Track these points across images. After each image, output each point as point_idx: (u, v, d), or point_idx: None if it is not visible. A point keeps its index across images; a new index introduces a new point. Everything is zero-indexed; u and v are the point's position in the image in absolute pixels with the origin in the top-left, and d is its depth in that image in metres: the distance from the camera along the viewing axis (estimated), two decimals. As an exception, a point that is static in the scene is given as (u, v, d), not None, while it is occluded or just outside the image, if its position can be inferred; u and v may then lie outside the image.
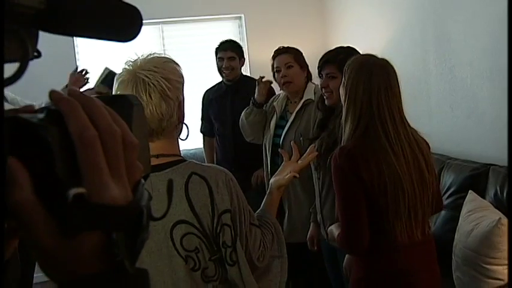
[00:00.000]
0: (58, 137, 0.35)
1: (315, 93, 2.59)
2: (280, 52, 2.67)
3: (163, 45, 4.32)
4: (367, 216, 1.56)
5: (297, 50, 2.68)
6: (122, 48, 4.06)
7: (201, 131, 3.45)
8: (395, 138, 1.56)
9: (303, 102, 2.62)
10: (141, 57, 1.23)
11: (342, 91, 1.68)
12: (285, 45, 2.75)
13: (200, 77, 4.35)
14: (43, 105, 0.39)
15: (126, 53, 4.43)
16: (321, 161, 2.10)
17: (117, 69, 4.21)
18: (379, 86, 1.59)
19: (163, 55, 1.25)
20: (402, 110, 1.61)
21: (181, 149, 3.60)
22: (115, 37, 0.43)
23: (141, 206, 0.39)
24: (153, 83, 1.18)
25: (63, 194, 0.35)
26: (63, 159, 0.35)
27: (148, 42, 4.31)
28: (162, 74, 1.20)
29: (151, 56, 1.23)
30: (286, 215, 2.68)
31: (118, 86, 1.20)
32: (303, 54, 2.68)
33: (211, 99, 3.31)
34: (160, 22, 4.26)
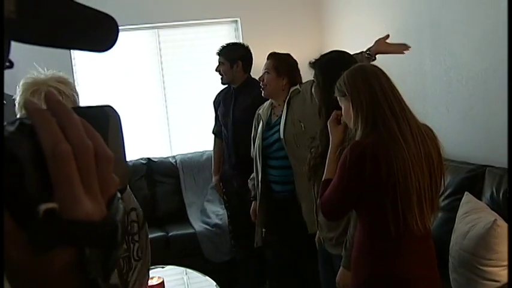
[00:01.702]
0: (29, 150, 0.35)
1: (300, 84, 2.69)
2: (268, 57, 2.83)
3: (160, 50, 4.30)
4: (374, 218, 1.59)
5: (279, 57, 2.77)
6: (119, 57, 4.12)
7: (213, 132, 3.52)
8: (404, 121, 1.58)
9: (290, 94, 2.71)
10: (43, 74, 1.30)
11: (346, 105, 1.71)
12: (279, 51, 2.85)
13: (197, 81, 4.37)
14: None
15: (123, 61, 4.45)
16: (313, 172, 2.12)
17: (114, 78, 4.13)
18: (377, 75, 1.65)
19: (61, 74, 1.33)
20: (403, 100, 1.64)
21: (201, 149, 3.30)
22: (90, 47, 0.43)
23: (115, 221, 0.38)
24: (66, 94, 1.27)
25: (34, 210, 0.34)
26: (34, 174, 0.35)
27: (145, 47, 4.30)
28: (70, 87, 1.30)
29: (53, 73, 1.32)
30: (304, 202, 2.62)
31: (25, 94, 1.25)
32: (290, 61, 2.78)
33: (220, 100, 3.38)
34: (156, 27, 4.25)
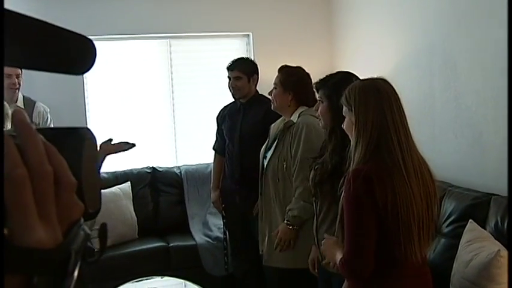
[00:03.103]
0: None
1: (299, 116, 2.63)
2: (278, 70, 2.79)
3: (171, 60, 4.32)
4: (376, 242, 1.56)
5: (287, 71, 2.75)
6: (130, 64, 4.16)
7: (213, 148, 3.50)
8: (408, 153, 1.57)
9: (284, 125, 2.69)
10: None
11: (349, 118, 1.68)
12: (291, 64, 2.83)
13: (206, 93, 4.37)
14: None
15: (134, 69, 4.46)
16: (317, 189, 2.14)
17: (124, 84, 4.14)
18: (390, 100, 1.61)
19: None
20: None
21: (206, 161, 3.33)
22: (66, 70, 0.43)
23: (69, 249, 0.37)
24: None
25: None
26: None
27: (156, 56, 4.31)
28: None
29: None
30: (266, 238, 2.70)
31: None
32: (298, 75, 2.74)
33: (225, 115, 3.36)
34: (168, 37, 4.27)
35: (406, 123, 1.62)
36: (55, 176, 0.37)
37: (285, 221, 2.57)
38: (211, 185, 3.54)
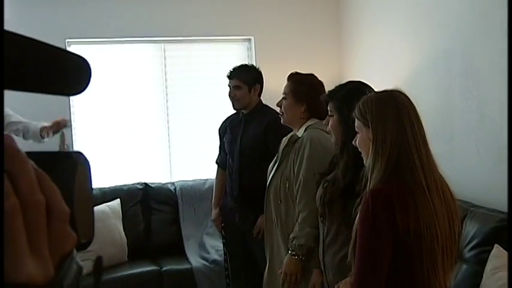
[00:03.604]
0: None
1: (305, 130, 2.57)
2: (287, 78, 2.72)
3: (165, 66, 4.31)
4: (396, 268, 1.55)
5: (299, 79, 2.68)
6: (120, 71, 4.15)
7: (216, 162, 3.50)
8: (430, 172, 1.57)
9: (288, 140, 2.62)
10: None
11: (364, 133, 1.67)
12: (299, 71, 2.76)
13: (204, 102, 4.38)
14: None
15: (124, 76, 4.43)
16: (326, 209, 2.11)
17: (114, 92, 4.14)
18: (409, 114, 1.61)
19: None
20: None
21: (203, 177, 3.34)
22: (61, 91, 0.44)
23: (62, 285, 0.37)
24: None
25: None
26: None
27: (149, 61, 4.32)
28: None
29: None
30: (268, 265, 2.67)
31: None
32: (312, 84, 2.65)
33: (227, 127, 3.36)
34: (162, 41, 4.27)
35: (426, 138, 1.62)
36: (47, 205, 0.37)
37: (290, 251, 2.47)
38: (212, 201, 3.53)
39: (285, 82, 3.15)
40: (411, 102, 1.65)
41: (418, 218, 1.51)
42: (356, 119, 1.71)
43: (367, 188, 1.61)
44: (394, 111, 1.61)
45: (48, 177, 0.38)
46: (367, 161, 1.64)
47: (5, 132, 0.38)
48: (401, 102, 1.63)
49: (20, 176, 0.36)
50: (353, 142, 1.77)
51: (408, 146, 1.57)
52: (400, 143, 1.58)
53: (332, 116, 2.14)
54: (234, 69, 3.24)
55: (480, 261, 2.45)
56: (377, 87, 2.11)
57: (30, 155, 0.38)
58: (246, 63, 3.51)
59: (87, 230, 0.43)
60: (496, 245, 2.39)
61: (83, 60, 0.44)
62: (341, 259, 2.08)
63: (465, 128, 3.06)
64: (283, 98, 2.65)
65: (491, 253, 2.38)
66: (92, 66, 0.45)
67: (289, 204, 2.56)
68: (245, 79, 3.17)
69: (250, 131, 3.13)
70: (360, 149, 1.74)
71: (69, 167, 0.42)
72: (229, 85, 3.23)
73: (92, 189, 0.45)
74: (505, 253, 2.34)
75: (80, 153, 0.44)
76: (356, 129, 1.72)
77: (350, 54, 4.41)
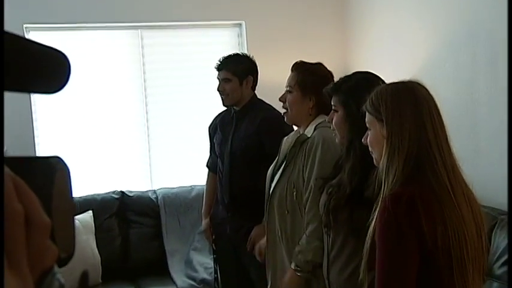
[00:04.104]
0: None
1: (315, 129, 2.52)
2: (292, 69, 2.66)
3: (143, 55, 4.29)
4: (422, 282, 1.56)
5: (306, 69, 2.62)
6: (92, 62, 4.13)
7: (207, 165, 3.52)
8: (453, 174, 1.58)
9: (296, 140, 2.57)
10: None
11: (377, 130, 1.68)
12: (291, 62, 2.71)
13: (189, 97, 4.39)
14: None
15: (97, 68, 4.35)
16: (331, 217, 2.10)
17: (84, 86, 4.06)
18: (430, 109, 1.62)
19: None
20: None
21: (189, 183, 3.47)
22: (38, 89, 0.46)
23: None
24: None
25: None
26: None
27: (124, 50, 4.30)
28: None
29: None
30: (269, 285, 2.65)
31: None
32: (321, 74, 2.59)
33: (217, 125, 3.36)
34: (139, 27, 4.24)
35: (447, 135, 1.63)
36: (25, 216, 0.39)
37: (293, 266, 2.43)
38: (202, 210, 3.53)
39: (280, 73, 3.09)
40: (431, 95, 1.66)
41: (445, 224, 1.52)
42: (367, 114, 1.71)
43: (383, 192, 1.61)
44: (412, 105, 1.62)
45: (25, 185, 0.39)
46: (381, 161, 1.65)
47: None
48: (420, 95, 1.64)
49: None
50: (363, 140, 1.77)
51: (428, 144, 1.58)
52: (419, 140, 1.59)
53: (337, 111, 2.13)
54: (223, 59, 3.21)
55: None
56: (388, 79, 2.06)
57: (3, 160, 0.39)
58: (238, 52, 3.50)
59: (68, 243, 0.44)
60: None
61: (61, 55, 0.45)
62: (349, 276, 2.06)
63: (492, 123, 3.06)
64: (287, 92, 2.59)
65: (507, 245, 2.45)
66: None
67: (296, 215, 2.51)
68: (235, 70, 3.14)
69: (242, 130, 3.12)
70: (371, 148, 1.74)
71: (47, 173, 0.43)
72: (218, 78, 3.21)
73: (73, 197, 0.46)
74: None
75: (58, 158, 0.45)
76: (367, 125, 1.72)
77: (356, 42, 4.41)
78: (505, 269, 2.55)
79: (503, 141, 2.93)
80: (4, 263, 0.37)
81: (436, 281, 1.56)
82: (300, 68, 2.60)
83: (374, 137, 1.69)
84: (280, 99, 2.63)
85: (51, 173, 0.44)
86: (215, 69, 3.21)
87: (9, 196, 0.38)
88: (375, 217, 1.61)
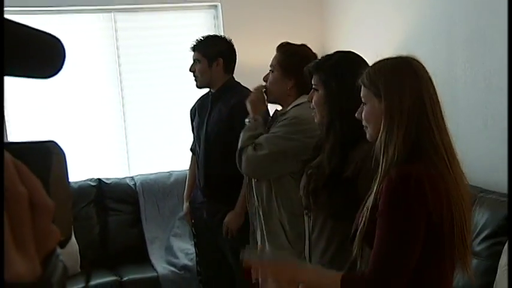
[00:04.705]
0: None
1: (293, 107, 2.60)
2: (276, 49, 2.70)
3: (116, 39, 4.23)
4: (425, 257, 1.58)
5: (288, 50, 2.66)
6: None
7: (190, 149, 3.51)
8: (450, 149, 1.60)
9: (272, 115, 2.69)
10: None
11: (374, 104, 1.67)
12: (269, 45, 2.79)
13: (165, 81, 4.38)
14: None
15: (68, 53, 4.33)
16: (310, 199, 2.09)
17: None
18: (428, 85, 1.62)
19: None
20: None
21: (167, 169, 3.65)
22: (32, 74, 0.47)
23: (51, 283, 0.41)
24: None
25: None
26: None
27: (97, 34, 4.26)
28: None
29: None
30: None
31: None
32: (303, 55, 2.61)
33: (195, 109, 3.38)
34: (112, 9, 4.19)
35: (443, 112, 1.64)
36: (29, 199, 0.40)
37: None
38: (184, 193, 3.55)
39: (257, 55, 3.06)
40: (426, 71, 1.65)
41: (448, 198, 1.54)
42: (363, 88, 1.71)
43: (381, 167, 1.61)
44: (411, 80, 1.62)
45: (27, 169, 0.40)
46: (380, 136, 1.64)
47: None
48: (418, 70, 1.64)
49: None
50: (356, 114, 1.76)
51: (427, 119, 1.58)
52: (418, 115, 1.59)
53: (317, 90, 2.11)
54: (198, 40, 3.22)
55: (492, 255, 2.47)
56: (366, 60, 2.10)
57: (3, 148, 0.39)
58: (216, 34, 3.49)
59: (66, 226, 0.45)
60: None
61: (55, 39, 0.46)
62: (331, 258, 2.06)
63: (470, 102, 3.08)
64: (269, 72, 2.65)
65: (506, 245, 2.38)
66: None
67: (270, 182, 2.61)
68: (205, 52, 3.14)
69: (216, 114, 3.14)
70: (365, 123, 1.73)
71: (44, 158, 0.44)
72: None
73: (69, 181, 0.47)
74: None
75: (53, 143, 0.46)
76: (362, 99, 1.71)
77: (334, 23, 4.41)
78: (484, 245, 2.59)
79: (481, 118, 2.99)
80: (12, 246, 0.38)
81: (438, 253, 1.58)
82: (283, 48, 2.67)
83: (370, 112, 1.68)
84: (263, 79, 2.69)
85: (48, 157, 0.45)
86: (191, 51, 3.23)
87: (13, 180, 0.39)
88: (373, 194, 1.62)
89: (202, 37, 3.24)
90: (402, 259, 1.57)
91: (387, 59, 1.73)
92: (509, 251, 1.91)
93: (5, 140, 0.39)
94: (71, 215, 0.49)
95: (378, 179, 1.61)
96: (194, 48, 3.18)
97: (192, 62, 3.20)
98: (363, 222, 1.65)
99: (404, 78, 1.63)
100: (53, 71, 0.48)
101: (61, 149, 0.47)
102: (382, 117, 1.63)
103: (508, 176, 2.07)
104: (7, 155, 0.40)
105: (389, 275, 1.58)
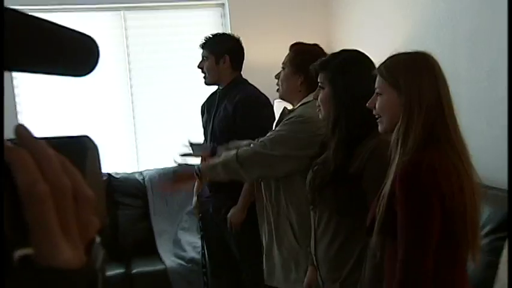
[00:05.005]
0: (5, 191, 0.38)
1: (300, 105, 2.64)
2: (289, 49, 2.77)
3: (126, 37, 4.27)
4: (442, 242, 1.62)
5: (300, 48, 2.73)
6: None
7: None
8: (462, 141, 1.66)
9: (280, 113, 2.71)
10: None
11: (392, 96, 1.71)
12: (276, 43, 2.98)
13: (174, 78, 4.38)
14: None
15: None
16: (316, 194, 2.12)
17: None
18: (443, 78, 1.68)
19: None
20: None
21: (170, 165, 3.40)
22: (69, 72, 0.48)
23: (95, 269, 0.42)
24: None
25: (10, 255, 0.38)
26: (10, 216, 0.38)
27: (107, 32, 4.26)
28: None
29: None
30: (264, 253, 2.76)
31: None
32: (314, 54, 2.63)
33: (204, 106, 3.41)
34: (122, 8, 4.21)
35: (454, 107, 1.69)
36: (72, 191, 0.41)
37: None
38: (194, 188, 3.56)
39: (263, 53, 3.09)
40: (440, 67, 1.70)
41: (461, 188, 1.58)
42: (380, 78, 1.74)
43: (397, 157, 1.65)
44: (429, 74, 1.67)
45: (69, 162, 0.42)
46: (398, 127, 1.67)
47: None
48: (435, 65, 1.69)
49: (44, 161, 0.40)
50: (367, 104, 1.79)
51: (443, 112, 1.64)
52: (435, 108, 1.64)
53: (323, 88, 2.14)
54: (206, 38, 3.24)
55: (494, 250, 2.45)
56: (372, 58, 2.12)
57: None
58: (223, 32, 3.51)
59: (101, 216, 0.46)
60: (514, 231, 2.41)
61: (91, 40, 0.48)
62: (336, 252, 2.10)
63: (473, 100, 3.07)
64: (281, 69, 2.71)
65: (507, 240, 2.37)
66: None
67: (277, 180, 2.66)
68: (212, 49, 3.17)
69: (222, 110, 3.17)
70: (379, 113, 1.76)
71: (80, 152, 0.45)
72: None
73: (102, 174, 0.49)
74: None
75: (87, 137, 0.47)
76: (378, 89, 1.75)
77: (339, 21, 4.41)
78: (486, 240, 2.54)
79: (484, 116, 2.97)
80: (60, 235, 0.39)
81: (454, 235, 1.62)
82: (295, 47, 2.73)
83: (387, 103, 1.72)
84: (275, 77, 2.75)
85: (84, 151, 0.46)
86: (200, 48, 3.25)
87: (58, 173, 0.40)
88: (390, 182, 1.66)
89: (211, 35, 3.26)
90: (422, 248, 1.60)
91: (405, 53, 1.76)
92: (509, 251, 1.94)
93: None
94: (105, 205, 0.51)
95: (395, 167, 1.65)
96: (202, 46, 3.20)
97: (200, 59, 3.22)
98: (381, 210, 1.68)
99: (424, 73, 1.67)
100: (88, 70, 0.49)
101: (95, 144, 0.48)
102: (399, 109, 1.67)
103: (508, 176, 2.09)
104: (50, 150, 0.41)
105: (419, 255, 1.61)
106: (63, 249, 0.39)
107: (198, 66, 3.21)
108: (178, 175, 3.09)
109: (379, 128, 1.78)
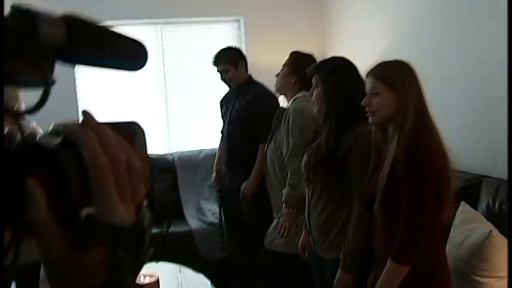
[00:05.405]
0: (73, 161, 0.39)
1: (293, 101, 2.68)
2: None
3: (162, 47, 4.27)
4: (435, 207, 1.65)
5: (297, 55, 2.81)
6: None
7: (221, 131, 3.53)
8: (436, 127, 1.71)
9: (277, 113, 2.79)
10: None
11: (388, 96, 1.72)
12: (282, 52, 2.93)
13: (199, 79, 4.33)
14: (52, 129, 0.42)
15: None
16: (310, 173, 2.13)
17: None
18: (419, 80, 1.73)
19: None
20: None
21: (199, 147, 3.92)
22: (123, 67, 0.48)
23: (143, 226, 0.42)
24: None
25: (77, 213, 0.38)
26: (77, 182, 0.39)
27: (147, 44, 4.19)
28: None
29: None
30: (275, 222, 2.75)
31: None
32: (307, 60, 2.72)
33: (223, 101, 3.41)
34: (159, 23, 4.19)
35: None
36: (126, 163, 0.41)
37: (283, 204, 2.62)
38: (214, 165, 3.57)
39: (275, 60, 3.19)
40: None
41: (446, 163, 1.64)
42: (376, 81, 1.74)
43: (397, 140, 1.66)
44: (414, 77, 1.73)
45: (124, 141, 0.42)
46: (397, 119, 1.69)
47: None
48: (415, 73, 1.75)
49: (105, 139, 0.40)
50: (363, 103, 1.78)
51: (425, 106, 1.71)
52: (421, 103, 1.70)
53: (317, 87, 2.14)
54: (215, 57, 3.23)
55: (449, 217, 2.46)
56: (357, 64, 2.16)
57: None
58: (224, 46, 3.40)
59: (149, 184, 0.46)
60: (462, 202, 2.43)
61: (142, 45, 0.48)
62: (325, 219, 2.12)
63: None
64: (281, 70, 2.79)
65: (458, 209, 2.41)
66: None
67: (281, 169, 2.69)
68: (229, 60, 3.19)
69: (237, 105, 3.19)
70: (374, 109, 1.75)
71: (131, 133, 0.45)
72: (218, 71, 3.23)
73: (148, 154, 0.48)
74: (470, 208, 2.40)
75: (135, 123, 0.47)
76: (374, 90, 1.75)
77: (332, 33, 4.38)
78: None
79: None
80: (117, 198, 0.40)
81: (441, 202, 1.65)
82: (293, 54, 2.82)
83: (384, 102, 1.73)
84: (276, 75, 2.83)
85: (134, 133, 0.46)
86: (214, 65, 3.21)
87: (115, 149, 0.41)
88: (389, 160, 1.68)
89: (218, 52, 3.24)
90: (426, 207, 1.62)
91: (392, 61, 1.80)
92: (509, 251, 1.87)
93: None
94: (150, 178, 0.49)
95: (393, 148, 1.68)
96: (218, 62, 3.19)
97: (219, 74, 3.21)
98: (382, 185, 1.69)
99: (411, 76, 1.73)
100: (139, 66, 0.48)
101: (142, 129, 0.47)
102: (393, 106, 1.70)
103: (508, 176, 2.07)
104: (109, 130, 0.41)
105: (421, 220, 1.63)
106: (119, 209, 0.40)
107: (222, 78, 3.21)
108: None
109: (370, 119, 1.77)
